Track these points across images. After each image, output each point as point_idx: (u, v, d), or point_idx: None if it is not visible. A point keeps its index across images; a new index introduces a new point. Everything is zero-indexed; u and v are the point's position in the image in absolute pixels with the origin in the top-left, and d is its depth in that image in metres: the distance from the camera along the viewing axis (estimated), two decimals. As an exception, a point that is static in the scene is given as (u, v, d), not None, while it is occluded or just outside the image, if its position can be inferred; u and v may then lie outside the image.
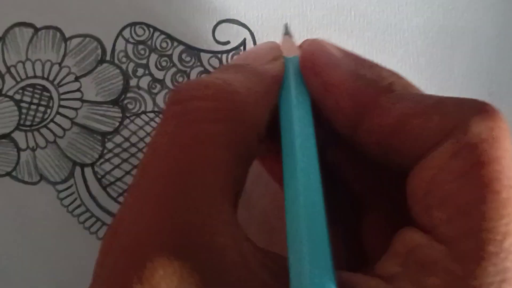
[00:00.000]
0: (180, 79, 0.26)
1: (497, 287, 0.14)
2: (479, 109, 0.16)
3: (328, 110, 0.19)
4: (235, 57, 0.26)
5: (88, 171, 0.25)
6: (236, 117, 0.17)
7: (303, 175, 0.16)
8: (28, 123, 0.25)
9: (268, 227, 0.25)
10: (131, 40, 0.26)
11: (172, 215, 0.15)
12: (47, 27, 0.25)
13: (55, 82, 0.25)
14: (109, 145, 0.25)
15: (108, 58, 0.25)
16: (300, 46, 0.22)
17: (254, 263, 0.15)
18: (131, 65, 0.26)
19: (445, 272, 0.14)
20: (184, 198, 0.15)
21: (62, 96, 0.25)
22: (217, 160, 0.16)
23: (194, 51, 0.26)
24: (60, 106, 0.25)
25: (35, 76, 0.25)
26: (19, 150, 0.25)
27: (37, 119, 0.25)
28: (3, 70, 0.25)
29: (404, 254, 0.15)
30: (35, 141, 0.25)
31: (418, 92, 0.19)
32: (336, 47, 0.21)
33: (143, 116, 0.25)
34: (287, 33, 0.23)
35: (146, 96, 0.25)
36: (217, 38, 0.26)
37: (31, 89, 0.25)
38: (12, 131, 0.25)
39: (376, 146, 0.17)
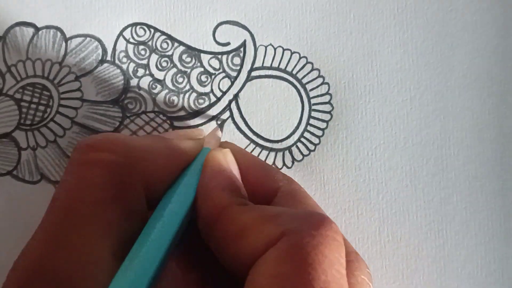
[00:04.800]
0: (180, 80, 0.26)
1: None
2: (309, 220, 0.17)
3: (196, 208, 0.20)
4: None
5: (88, 170, 0.25)
6: (126, 171, 0.19)
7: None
8: (28, 122, 0.25)
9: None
10: (132, 40, 0.26)
11: (51, 258, 0.17)
12: (47, 27, 0.25)
13: (55, 82, 0.25)
14: (109, 144, 0.25)
15: (108, 58, 0.26)
16: (221, 145, 0.24)
17: None
18: (132, 65, 0.26)
19: None
20: (64, 241, 0.17)
21: (62, 96, 0.25)
22: (100, 211, 0.18)
23: (194, 52, 0.26)
24: (60, 105, 0.25)
25: (35, 75, 0.25)
26: (19, 149, 0.25)
27: (37, 118, 0.25)
28: (4, 69, 0.25)
29: None
30: (35, 140, 0.25)
31: (303, 198, 0.21)
32: (246, 154, 0.23)
33: (143, 116, 0.25)
34: (220, 127, 0.25)
35: (147, 96, 0.26)
36: (217, 39, 0.26)
37: (31, 88, 0.25)
38: (13, 130, 0.25)
39: (222, 249, 0.19)
